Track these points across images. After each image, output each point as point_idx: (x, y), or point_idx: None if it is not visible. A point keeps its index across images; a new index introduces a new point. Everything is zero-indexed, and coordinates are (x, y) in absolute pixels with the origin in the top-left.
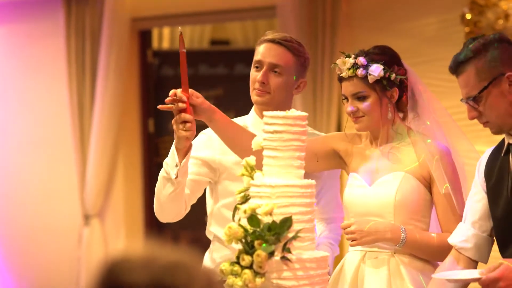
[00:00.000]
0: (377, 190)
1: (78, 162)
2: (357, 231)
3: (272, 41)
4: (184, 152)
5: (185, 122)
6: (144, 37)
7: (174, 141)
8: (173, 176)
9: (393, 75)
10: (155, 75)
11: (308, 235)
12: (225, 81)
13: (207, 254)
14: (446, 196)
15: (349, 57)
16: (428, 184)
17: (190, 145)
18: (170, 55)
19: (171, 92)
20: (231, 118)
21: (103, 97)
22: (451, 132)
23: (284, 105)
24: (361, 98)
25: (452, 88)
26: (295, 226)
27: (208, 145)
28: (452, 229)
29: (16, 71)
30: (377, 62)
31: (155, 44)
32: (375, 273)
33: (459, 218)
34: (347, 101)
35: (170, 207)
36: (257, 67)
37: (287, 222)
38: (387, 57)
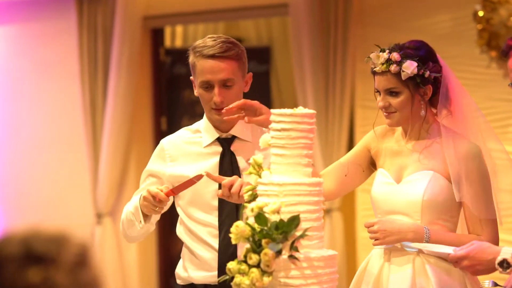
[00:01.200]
0: (404, 188)
1: (90, 160)
2: (380, 231)
3: (212, 57)
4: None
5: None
6: (156, 35)
7: (141, 202)
8: (140, 226)
9: (427, 73)
10: (168, 73)
11: (316, 234)
12: None
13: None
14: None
15: (384, 51)
16: (457, 183)
17: None
18: (182, 53)
19: (156, 196)
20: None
21: (115, 96)
22: (483, 131)
23: None
24: (393, 93)
25: (465, 86)
26: (303, 225)
27: (160, 156)
28: (478, 232)
29: (28, 70)
30: (411, 58)
31: (167, 42)
32: (399, 271)
33: (485, 221)
34: (379, 94)
35: (139, 238)
36: (206, 87)
37: (294, 220)
38: (422, 53)
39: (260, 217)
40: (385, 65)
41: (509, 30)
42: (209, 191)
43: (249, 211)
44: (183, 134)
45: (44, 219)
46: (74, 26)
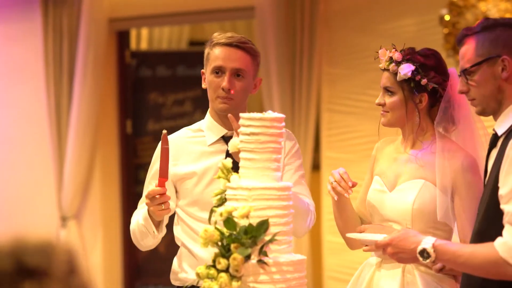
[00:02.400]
0: (395, 197)
1: (55, 163)
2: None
3: (229, 44)
4: (160, 221)
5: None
6: (122, 38)
7: (148, 209)
8: (154, 236)
9: (424, 80)
10: (133, 76)
11: (285, 238)
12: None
13: (175, 259)
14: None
15: (393, 49)
16: (450, 194)
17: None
18: (148, 56)
19: (153, 193)
20: None
21: (80, 98)
22: (481, 144)
23: (242, 107)
24: (389, 92)
25: None
26: (272, 229)
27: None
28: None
29: None
30: (413, 62)
31: (133, 45)
32: (389, 278)
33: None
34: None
35: (155, 245)
36: (217, 72)
37: (263, 225)
38: (428, 61)
39: (229, 221)
40: (387, 63)
41: None
42: (211, 190)
43: (218, 216)
44: (185, 133)
45: (8, 222)
46: (39, 28)
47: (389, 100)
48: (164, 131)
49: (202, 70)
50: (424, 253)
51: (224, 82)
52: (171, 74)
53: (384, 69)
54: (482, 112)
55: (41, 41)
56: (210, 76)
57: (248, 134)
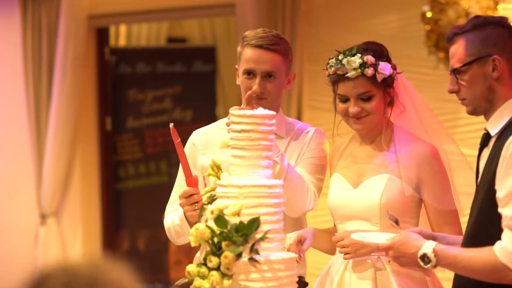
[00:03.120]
0: (361, 193)
1: (34, 160)
2: (351, 245)
3: (260, 47)
4: (194, 222)
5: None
6: (101, 35)
7: (184, 211)
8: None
9: (394, 72)
10: (113, 73)
11: (276, 236)
12: (183, 78)
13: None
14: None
15: (351, 55)
16: (416, 185)
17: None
18: (127, 52)
19: (185, 194)
20: (189, 116)
21: (59, 95)
22: (437, 133)
23: (276, 105)
24: (367, 98)
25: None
26: (263, 227)
27: (191, 145)
28: (443, 228)
29: None
30: (381, 59)
31: (112, 41)
32: (360, 278)
33: (448, 215)
34: (344, 102)
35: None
36: (248, 74)
37: (255, 222)
38: (386, 53)
39: (220, 219)
40: (359, 70)
41: None
42: None
43: (208, 213)
44: (217, 125)
45: None
46: (18, 24)
47: (369, 105)
48: (171, 124)
49: (236, 66)
50: (425, 258)
51: (255, 85)
52: (150, 71)
53: (353, 77)
54: (473, 112)
55: (20, 37)
56: (242, 76)
57: (239, 131)
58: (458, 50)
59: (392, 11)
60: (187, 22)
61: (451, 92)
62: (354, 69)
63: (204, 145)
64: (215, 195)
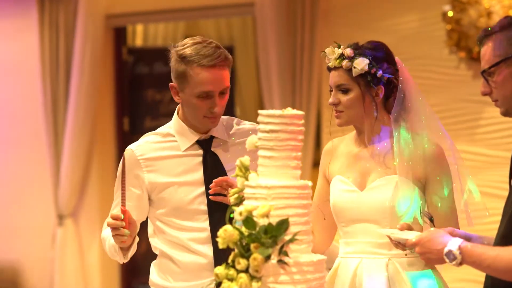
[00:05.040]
0: (370, 195)
1: (51, 161)
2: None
3: (213, 66)
4: (128, 247)
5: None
6: (119, 34)
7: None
8: (124, 261)
9: (380, 72)
10: (130, 73)
11: (305, 238)
12: None
13: (153, 267)
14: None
15: (339, 47)
16: (422, 184)
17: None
18: (144, 52)
19: (110, 224)
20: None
21: (77, 95)
22: (439, 135)
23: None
24: (344, 90)
25: (432, 87)
26: (292, 229)
27: (134, 165)
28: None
29: None
30: (365, 56)
31: (129, 41)
32: (373, 278)
33: (449, 214)
34: (331, 93)
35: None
36: (204, 97)
37: (283, 224)
38: (380, 53)
39: (248, 221)
40: (338, 60)
41: (478, 30)
42: (194, 196)
43: (237, 215)
44: (153, 139)
45: (4, 221)
46: (35, 24)
47: (345, 98)
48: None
49: (171, 83)
50: (450, 254)
51: (215, 106)
52: (168, 71)
53: (334, 68)
54: (506, 113)
55: (37, 37)
56: (194, 99)
57: (267, 132)
58: (487, 51)
59: (413, 11)
60: (204, 22)
61: (484, 94)
62: (335, 59)
63: (148, 163)
64: (243, 196)
